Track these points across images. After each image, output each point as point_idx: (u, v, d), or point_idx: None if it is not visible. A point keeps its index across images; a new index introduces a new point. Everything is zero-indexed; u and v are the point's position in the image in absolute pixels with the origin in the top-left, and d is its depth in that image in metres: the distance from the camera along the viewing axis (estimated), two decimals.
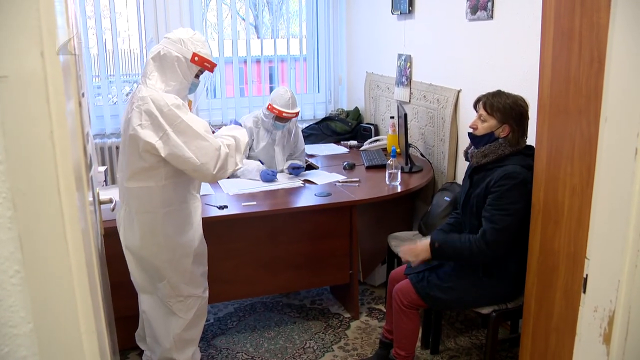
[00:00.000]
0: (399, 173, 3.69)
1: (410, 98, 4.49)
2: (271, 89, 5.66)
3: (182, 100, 2.52)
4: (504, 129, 2.63)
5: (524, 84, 3.14)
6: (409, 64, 4.45)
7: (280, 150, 4.07)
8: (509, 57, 3.33)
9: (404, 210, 4.22)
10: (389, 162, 3.68)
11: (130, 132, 2.45)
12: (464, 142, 3.85)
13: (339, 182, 3.77)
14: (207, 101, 5.47)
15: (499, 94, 2.67)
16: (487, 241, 2.58)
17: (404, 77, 4.52)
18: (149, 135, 2.42)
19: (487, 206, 2.62)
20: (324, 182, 3.80)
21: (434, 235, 2.80)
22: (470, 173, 2.77)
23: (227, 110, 5.47)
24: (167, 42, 2.52)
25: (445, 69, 4.01)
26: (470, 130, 2.73)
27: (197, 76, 2.61)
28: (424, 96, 4.27)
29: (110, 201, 1.99)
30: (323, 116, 5.66)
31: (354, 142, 4.97)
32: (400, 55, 4.59)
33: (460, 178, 3.95)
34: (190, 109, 2.61)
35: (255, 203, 3.35)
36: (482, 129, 2.66)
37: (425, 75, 4.28)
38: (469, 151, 2.80)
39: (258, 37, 5.77)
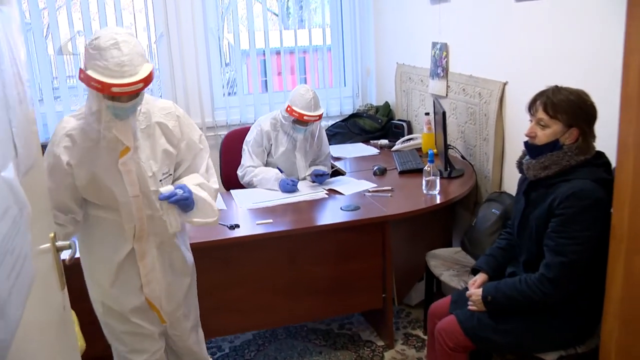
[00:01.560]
0: (438, 180, 3.20)
1: (447, 92, 3.98)
2: (294, 83, 5.21)
3: (106, 132, 2.07)
4: (571, 133, 2.13)
5: (588, 76, 2.61)
6: (445, 53, 3.94)
7: (302, 156, 3.61)
8: (567, 43, 2.81)
9: (444, 221, 3.72)
10: (426, 167, 3.19)
11: None
12: (511, 142, 3.35)
13: (369, 191, 3.30)
14: (223, 99, 5.03)
15: (558, 90, 2.16)
16: (553, 278, 2.09)
17: (440, 68, 4.01)
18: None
19: (550, 232, 2.12)
20: (351, 191, 3.33)
21: (486, 288, 2.32)
22: (527, 189, 2.28)
23: (245, 109, 5.02)
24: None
25: (488, 58, 3.49)
26: (527, 140, 2.23)
27: (111, 99, 1.98)
28: (463, 89, 3.76)
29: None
30: (350, 112, 5.18)
31: (384, 142, 4.48)
32: (434, 44, 4.08)
33: (508, 184, 3.44)
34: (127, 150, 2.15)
35: (271, 221, 2.90)
36: (544, 136, 2.16)
37: (465, 65, 3.76)
38: (523, 161, 2.30)
39: (285, 28, 5.29)
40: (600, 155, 2.16)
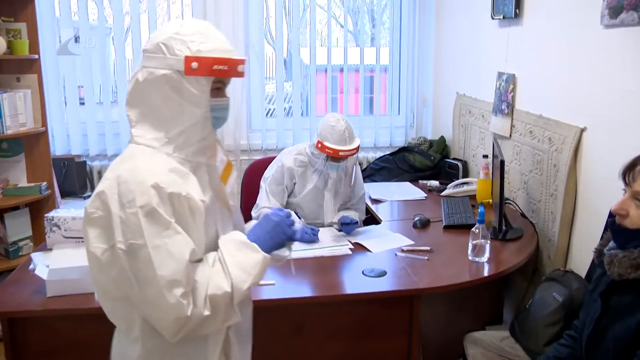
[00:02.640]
0: (488, 246, 2.56)
1: (511, 132, 3.34)
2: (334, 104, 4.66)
3: (206, 159, 1.54)
4: None
5: None
6: (511, 86, 3.31)
7: (331, 197, 3.05)
8: None
9: (493, 291, 3.06)
10: (474, 229, 2.57)
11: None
12: (586, 204, 2.69)
13: (403, 250, 2.69)
14: (261, 120, 4.53)
15: None
16: None
17: (505, 103, 3.38)
18: (93, 235, 1.41)
19: None
20: (381, 248, 2.73)
21: None
22: (606, 289, 1.64)
23: (283, 133, 4.51)
24: (145, 57, 1.49)
25: (564, 96, 2.84)
26: (616, 219, 1.61)
27: (218, 94, 1.53)
28: (530, 131, 3.11)
29: None
30: (402, 144, 4.59)
31: (435, 183, 3.86)
32: (500, 74, 3.45)
33: (576, 259, 2.78)
34: (226, 176, 1.66)
35: (273, 283, 2.34)
36: (639, 218, 1.53)
37: (534, 103, 3.12)
38: (605, 251, 1.67)
39: (356, 45, 4.78)
40: None
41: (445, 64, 4.40)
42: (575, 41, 2.73)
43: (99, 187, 1.40)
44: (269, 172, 3.09)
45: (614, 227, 1.60)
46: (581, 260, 2.70)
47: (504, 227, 2.88)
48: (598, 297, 1.66)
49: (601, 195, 2.57)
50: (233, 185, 1.71)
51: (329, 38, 4.66)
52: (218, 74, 1.46)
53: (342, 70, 4.66)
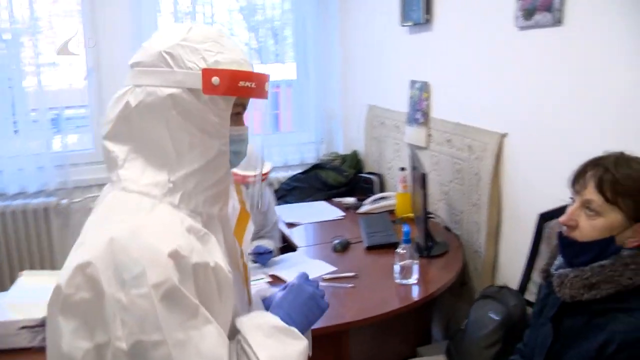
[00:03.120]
0: (416, 267, 2.37)
1: (428, 142, 3.19)
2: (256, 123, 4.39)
3: (218, 210, 1.19)
4: (637, 230, 1.34)
5: (622, 130, 1.86)
6: (425, 94, 3.16)
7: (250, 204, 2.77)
8: (591, 84, 2.04)
9: (419, 313, 2.87)
10: (399, 250, 2.37)
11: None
12: (511, 213, 2.55)
13: (324, 279, 2.45)
14: None
15: (625, 160, 1.37)
16: None
17: (419, 112, 3.23)
18: (70, 329, 1.01)
19: None
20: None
21: None
22: (558, 312, 1.45)
23: None
24: (137, 72, 1.13)
25: (482, 101, 2.71)
26: (564, 230, 1.43)
27: (237, 121, 1.20)
28: (448, 140, 2.97)
29: None
30: (314, 161, 4.37)
31: (351, 200, 3.65)
32: (413, 83, 3.30)
33: (505, 271, 2.63)
34: (242, 231, 1.32)
35: None
36: (591, 229, 1.36)
37: (451, 110, 2.98)
38: (552, 270, 1.49)
39: (260, 62, 4.52)
40: None
41: (354, 76, 4.23)
42: (490, 44, 2.61)
43: (78, 256, 1.01)
44: None
45: (563, 240, 1.43)
46: (511, 272, 2.56)
47: (429, 243, 2.71)
48: (548, 322, 1.47)
49: (526, 202, 2.44)
50: (248, 242, 1.34)
51: None
52: (244, 93, 1.13)
53: None
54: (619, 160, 1.35)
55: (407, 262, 2.35)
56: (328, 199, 3.83)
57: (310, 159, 4.45)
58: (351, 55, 4.23)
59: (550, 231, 2.21)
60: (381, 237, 2.85)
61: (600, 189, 1.33)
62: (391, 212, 3.35)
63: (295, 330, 1.17)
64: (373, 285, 2.40)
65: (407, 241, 2.34)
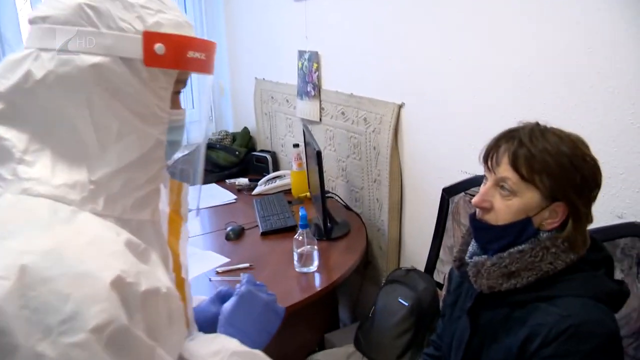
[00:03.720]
0: (315, 253, 2.19)
1: (320, 115, 2.99)
2: None
3: (150, 214, 0.91)
4: (554, 211, 1.18)
5: (547, 98, 1.73)
6: (315, 64, 2.96)
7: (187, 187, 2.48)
8: (497, 45, 1.90)
9: (324, 300, 2.71)
10: (297, 236, 2.17)
11: None
12: (414, 186, 2.41)
13: (218, 272, 2.22)
14: None
15: (541, 132, 1.19)
16: None
17: (310, 84, 3.02)
18: None
19: None
20: (191, 275, 2.22)
21: None
22: (473, 305, 1.30)
23: None
24: (44, 30, 0.81)
25: (376, 71, 2.54)
26: (476, 213, 1.27)
27: (175, 103, 0.93)
28: (342, 113, 2.79)
29: None
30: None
31: (244, 181, 3.41)
32: (302, 53, 3.09)
33: (410, 250, 2.50)
34: (176, 238, 1.04)
35: None
36: (507, 210, 1.19)
37: (343, 81, 2.79)
38: (467, 258, 1.33)
39: None
40: (597, 247, 1.23)
41: (240, 49, 3.96)
42: (380, 8, 2.43)
43: None
44: None
45: (476, 224, 1.26)
46: (417, 249, 2.44)
47: (328, 225, 2.53)
48: (464, 314, 1.32)
49: (428, 176, 2.31)
50: (185, 253, 1.07)
51: None
52: (193, 67, 0.89)
53: None
54: (534, 131, 1.19)
55: (306, 248, 2.16)
56: (220, 181, 3.57)
57: (199, 138, 4.14)
58: (237, 27, 3.95)
59: (455, 206, 2.08)
60: (277, 221, 2.64)
61: (514, 165, 1.16)
62: (287, 192, 3.15)
63: (259, 353, 0.98)
64: (271, 275, 2.19)
65: (305, 226, 2.14)
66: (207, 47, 0.91)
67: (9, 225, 0.74)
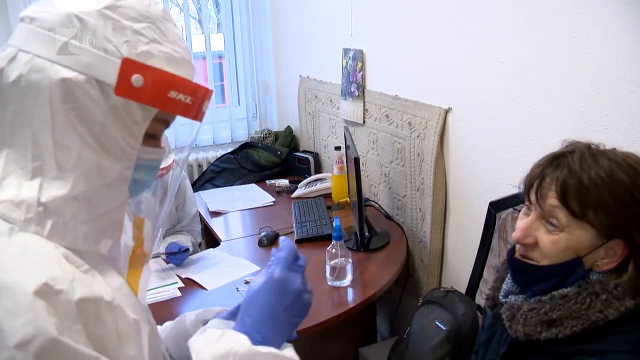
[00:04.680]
0: (349, 267, 2.05)
1: (364, 117, 2.85)
2: None
3: (107, 248, 0.83)
4: (611, 250, 1.00)
5: (591, 105, 1.55)
6: (360, 64, 2.81)
7: (149, 223, 2.39)
8: (554, 52, 1.72)
9: (360, 313, 2.57)
10: (330, 248, 2.04)
11: None
12: (458, 197, 2.24)
13: (246, 282, 2.11)
14: None
15: (593, 156, 1.01)
16: None
17: (354, 84, 2.88)
18: None
19: None
20: (218, 283, 2.13)
21: None
22: (507, 351, 1.12)
23: None
24: (28, 31, 0.76)
25: (423, 72, 2.38)
26: (519, 250, 1.09)
27: (151, 141, 0.86)
28: (386, 115, 2.64)
29: None
30: (245, 139, 4.00)
31: (284, 182, 3.30)
32: (346, 51, 2.95)
33: (454, 262, 2.34)
34: (137, 277, 0.91)
35: None
36: (554, 248, 1.01)
37: (388, 82, 2.64)
38: (501, 297, 1.16)
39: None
40: None
41: (286, 45, 3.85)
42: (427, 6, 2.27)
43: None
44: None
45: (516, 263, 1.08)
46: (460, 264, 2.28)
47: (366, 234, 2.39)
48: (497, 359, 1.15)
49: (474, 187, 2.15)
50: (145, 293, 0.94)
51: None
52: (172, 109, 0.81)
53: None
54: (585, 156, 1.00)
55: (339, 261, 2.03)
56: (260, 181, 3.47)
57: (242, 136, 4.08)
58: (282, 23, 3.84)
59: (502, 223, 1.91)
60: (313, 228, 2.52)
61: (564, 199, 0.98)
62: (328, 196, 3.02)
63: (276, 352, 0.85)
64: None
65: (339, 237, 2.01)
66: (194, 90, 0.82)
67: None
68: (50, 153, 0.75)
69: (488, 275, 1.97)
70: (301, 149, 3.71)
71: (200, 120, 0.86)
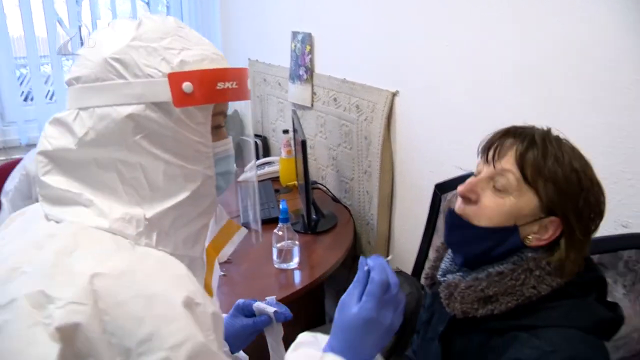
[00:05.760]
0: (296, 249, 2.05)
1: (312, 101, 2.84)
2: None
3: (200, 251, 0.96)
4: (546, 227, 1.02)
5: (551, 97, 1.58)
6: (308, 47, 2.80)
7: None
8: (504, 31, 1.75)
9: (306, 295, 2.58)
10: (276, 230, 2.04)
11: None
12: (405, 177, 2.27)
13: None
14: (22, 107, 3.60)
15: (556, 139, 1.04)
16: None
17: (303, 67, 2.87)
18: None
19: None
20: None
21: None
22: (446, 330, 1.14)
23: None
24: (79, 90, 0.85)
25: (370, 56, 2.38)
26: (458, 205, 1.09)
27: (219, 134, 0.95)
28: (334, 99, 2.64)
29: None
30: None
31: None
32: (295, 34, 2.93)
33: (401, 243, 2.37)
34: (210, 275, 1.04)
35: None
36: (496, 209, 1.03)
37: (336, 66, 2.64)
38: (439, 277, 1.17)
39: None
40: (588, 266, 1.07)
41: (235, 29, 3.81)
42: None
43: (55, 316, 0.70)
44: (11, 184, 2.31)
45: (452, 219, 1.08)
46: (407, 246, 2.31)
47: (313, 217, 2.39)
48: (436, 338, 1.17)
49: (421, 170, 2.17)
50: (216, 291, 1.10)
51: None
52: (225, 98, 0.89)
53: None
54: (549, 136, 1.04)
55: (286, 243, 2.03)
56: None
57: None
58: (231, 5, 3.79)
59: (447, 204, 1.94)
60: (260, 212, 2.50)
61: (520, 163, 1.01)
62: (276, 179, 3.01)
63: None
64: (249, 272, 2.06)
65: (285, 220, 2.01)
66: (236, 74, 0.90)
67: (74, 253, 0.75)
68: (140, 180, 0.83)
69: (433, 256, 2.00)
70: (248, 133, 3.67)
71: (249, 98, 0.94)
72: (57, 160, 0.84)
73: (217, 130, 0.93)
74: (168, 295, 0.74)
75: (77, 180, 0.83)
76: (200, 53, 0.86)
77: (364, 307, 0.94)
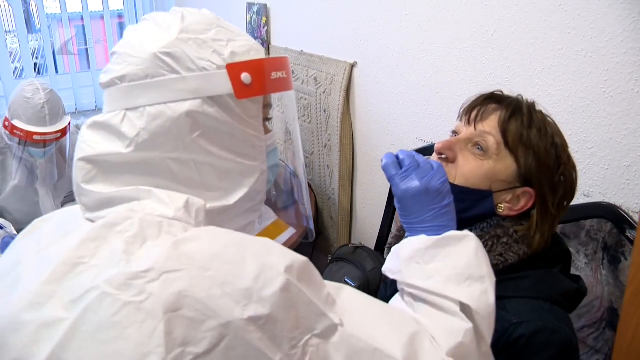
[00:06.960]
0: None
1: None
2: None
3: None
4: (518, 197, 1.00)
5: (515, 70, 1.55)
6: (264, 19, 2.73)
7: (48, 192, 2.28)
8: (456, 1, 1.71)
9: None
10: None
11: None
12: (365, 150, 2.24)
13: None
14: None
15: (542, 114, 1.03)
16: None
17: (259, 40, 2.80)
18: None
19: None
20: None
21: None
22: None
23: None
24: (125, 90, 0.76)
25: (327, 27, 2.33)
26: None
27: (265, 126, 0.87)
28: (292, 71, 2.58)
29: None
30: None
31: None
32: (250, 6, 2.85)
33: (363, 218, 2.34)
34: None
35: None
36: (474, 170, 1.00)
37: (293, 38, 2.58)
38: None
39: None
40: (554, 239, 1.05)
41: (189, 1, 3.70)
42: None
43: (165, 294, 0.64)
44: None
45: None
46: (369, 221, 2.28)
47: (273, 193, 2.34)
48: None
49: (381, 142, 2.14)
50: None
51: None
52: (278, 88, 0.85)
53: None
54: (534, 108, 1.02)
55: None
56: None
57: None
58: None
59: None
60: None
61: (503, 127, 0.98)
62: None
63: (447, 236, 0.89)
64: None
65: None
66: (284, 64, 0.86)
67: (145, 238, 0.70)
68: (194, 179, 0.78)
69: (396, 230, 1.98)
70: None
71: (293, 88, 0.90)
72: (101, 165, 0.78)
73: (265, 123, 0.88)
74: (256, 238, 0.73)
75: (124, 184, 0.78)
76: (245, 44, 0.82)
77: (409, 179, 0.92)
